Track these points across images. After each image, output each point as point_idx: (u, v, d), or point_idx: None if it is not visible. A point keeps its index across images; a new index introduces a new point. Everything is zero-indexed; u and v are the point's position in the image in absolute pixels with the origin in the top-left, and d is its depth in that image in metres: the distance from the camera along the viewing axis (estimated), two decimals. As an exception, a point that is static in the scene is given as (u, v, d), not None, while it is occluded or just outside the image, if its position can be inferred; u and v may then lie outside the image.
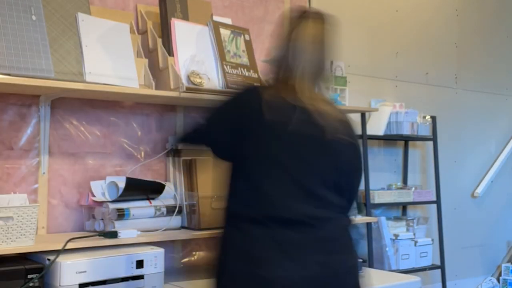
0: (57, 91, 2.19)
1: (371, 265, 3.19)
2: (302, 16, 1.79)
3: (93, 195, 2.34)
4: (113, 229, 2.26)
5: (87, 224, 2.37)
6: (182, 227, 2.51)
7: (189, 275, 2.51)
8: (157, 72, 2.45)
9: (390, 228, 3.41)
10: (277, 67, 1.79)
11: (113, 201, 2.30)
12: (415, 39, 3.80)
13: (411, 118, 3.45)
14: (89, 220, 2.37)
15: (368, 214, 3.22)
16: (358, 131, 3.31)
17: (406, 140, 3.67)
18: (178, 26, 2.47)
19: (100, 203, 2.32)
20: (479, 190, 4.17)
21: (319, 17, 1.79)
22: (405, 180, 3.72)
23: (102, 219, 2.31)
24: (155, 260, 2.19)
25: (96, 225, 2.32)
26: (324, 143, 1.69)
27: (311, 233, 1.62)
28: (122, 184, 2.30)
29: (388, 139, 3.56)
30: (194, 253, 2.75)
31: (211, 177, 2.52)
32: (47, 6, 2.17)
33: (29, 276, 1.94)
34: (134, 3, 2.58)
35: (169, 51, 2.44)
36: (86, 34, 2.24)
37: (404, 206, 3.65)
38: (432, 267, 3.57)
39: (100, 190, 2.36)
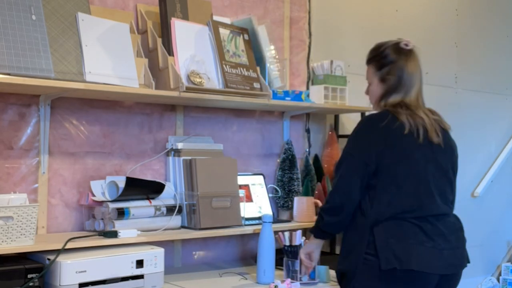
0: (57, 91, 2.20)
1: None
2: (410, 51, 2.33)
3: (93, 195, 2.35)
4: (113, 229, 2.26)
5: (87, 223, 2.37)
6: (182, 227, 2.51)
7: (189, 275, 2.51)
8: (157, 71, 2.45)
9: (390, 228, 3.40)
10: (391, 92, 2.22)
11: (113, 201, 2.30)
12: (415, 39, 3.78)
13: (411, 118, 3.44)
14: (89, 220, 2.37)
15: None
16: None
17: (406, 140, 3.66)
18: (178, 26, 2.47)
19: (100, 203, 2.32)
20: (479, 190, 4.16)
21: (415, 50, 2.36)
22: (405, 180, 3.71)
23: (102, 219, 2.31)
24: (155, 259, 2.19)
25: (96, 225, 2.32)
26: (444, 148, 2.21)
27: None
28: (122, 183, 2.30)
29: (388, 139, 3.55)
30: (194, 252, 2.75)
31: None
32: (47, 5, 2.17)
33: (29, 276, 1.94)
34: (134, 3, 2.58)
35: (169, 50, 2.44)
36: (86, 34, 2.24)
37: (404, 206, 3.65)
38: (432, 267, 3.56)
39: (100, 189, 2.36)
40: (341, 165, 2.17)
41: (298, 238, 2.45)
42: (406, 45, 2.32)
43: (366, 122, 2.25)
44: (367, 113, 3.29)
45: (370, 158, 2.09)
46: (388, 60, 2.27)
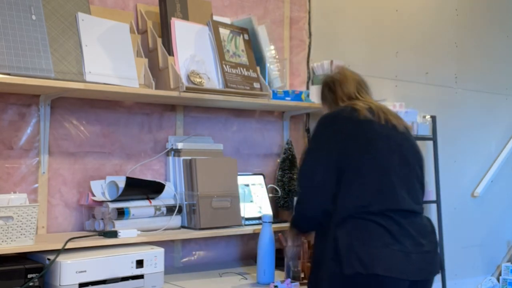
0: (57, 91, 2.20)
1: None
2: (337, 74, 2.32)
3: (93, 195, 2.35)
4: (113, 229, 2.26)
5: (87, 223, 2.37)
6: (182, 226, 2.51)
7: (189, 275, 2.51)
8: (157, 71, 2.45)
9: (390, 228, 3.40)
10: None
11: (113, 201, 2.30)
12: (415, 39, 3.80)
13: (411, 118, 3.44)
14: (89, 220, 2.37)
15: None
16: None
17: (406, 140, 3.66)
18: (178, 26, 2.47)
19: (100, 203, 2.32)
20: (479, 190, 4.16)
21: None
22: (405, 180, 3.71)
23: (102, 219, 2.31)
24: (155, 259, 2.19)
25: (96, 225, 2.32)
26: None
27: None
28: (122, 183, 2.30)
29: (388, 139, 3.55)
30: (194, 252, 2.75)
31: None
32: (47, 5, 2.17)
33: (29, 276, 1.94)
34: (134, 3, 2.58)
35: (169, 50, 2.44)
36: (86, 34, 2.24)
37: (404, 206, 3.65)
38: (432, 267, 3.56)
39: (100, 189, 2.36)
40: (307, 166, 2.08)
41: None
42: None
43: (323, 119, 2.15)
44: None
45: (335, 154, 2.00)
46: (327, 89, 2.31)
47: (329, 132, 2.07)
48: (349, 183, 1.97)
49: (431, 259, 2.00)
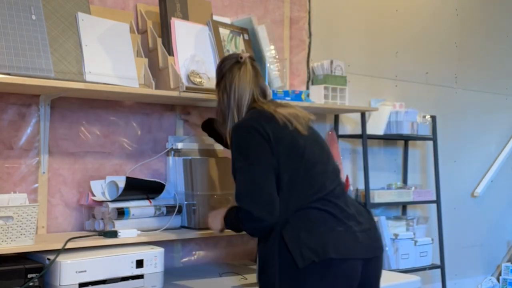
0: (57, 91, 2.20)
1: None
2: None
3: (93, 195, 2.35)
4: (113, 229, 2.26)
5: (87, 223, 2.37)
6: (182, 226, 2.51)
7: (189, 275, 2.51)
8: (157, 71, 2.45)
9: (390, 228, 3.41)
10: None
11: (113, 201, 2.30)
12: (415, 39, 3.80)
13: (411, 118, 3.45)
14: (89, 220, 2.37)
15: (368, 213, 3.21)
16: (358, 130, 3.31)
17: (406, 139, 3.67)
18: (178, 26, 2.47)
19: (100, 203, 2.32)
20: (479, 189, 4.17)
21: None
22: (405, 180, 3.72)
23: (102, 219, 2.31)
24: (155, 259, 2.19)
25: (96, 225, 2.32)
26: None
27: None
28: (122, 183, 2.30)
29: (388, 139, 3.56)
30: (194, 252, 2.75)
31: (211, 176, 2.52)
32: (47, 5, 2.17)
33: (29, 276, 1.94)
34: (134, 3, 2.58)
35: (169, 50, 2.44)
36: (86, 34, 2.24)
37: (404, 206, 3.66)
38: (432, 267, 3.57)
39: (100, 189, 2.36)
40: (246, 177, 1.93)
41: None
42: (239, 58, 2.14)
43: (245, 126, 2.00)
44: (367, 113, 3.30)
45: (271, 159, 1.93)
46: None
47: (256, 141, 1.95)
48: (286, 186, 1.93)
49: (374, 236, 2.01)
